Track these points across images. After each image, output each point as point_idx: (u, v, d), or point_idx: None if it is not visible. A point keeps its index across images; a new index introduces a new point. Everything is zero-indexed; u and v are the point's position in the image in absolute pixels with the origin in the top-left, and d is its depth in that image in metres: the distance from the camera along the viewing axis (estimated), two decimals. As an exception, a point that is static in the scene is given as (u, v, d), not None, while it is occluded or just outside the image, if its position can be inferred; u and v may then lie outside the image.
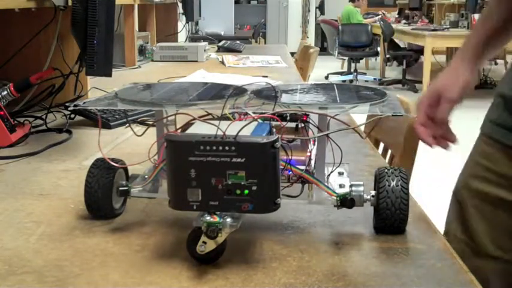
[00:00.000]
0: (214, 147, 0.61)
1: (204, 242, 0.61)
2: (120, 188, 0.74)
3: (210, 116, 0.74)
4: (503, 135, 1.00)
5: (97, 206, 0.74)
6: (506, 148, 0.98)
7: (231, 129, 0.61)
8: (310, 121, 0.77)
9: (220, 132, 0.61)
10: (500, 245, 0.98)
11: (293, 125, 0.79)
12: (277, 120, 0.72)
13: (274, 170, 0.63)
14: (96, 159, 0.75)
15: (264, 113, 0.69)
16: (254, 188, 0.62)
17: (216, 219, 0.62)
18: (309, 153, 0.76)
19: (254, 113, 0.69)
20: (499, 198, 0.98)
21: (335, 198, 0.70)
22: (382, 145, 1.54)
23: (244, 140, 0.61)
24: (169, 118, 0.78)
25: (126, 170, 0.78)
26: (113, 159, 0.74)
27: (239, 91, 0.78)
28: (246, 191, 0.62)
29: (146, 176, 0.76)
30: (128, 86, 0.85)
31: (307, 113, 0.77)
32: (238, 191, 0.62)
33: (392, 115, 0.67)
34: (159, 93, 0.82)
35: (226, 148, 0.61)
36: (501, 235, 0.98)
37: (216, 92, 0.82)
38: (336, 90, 0.79)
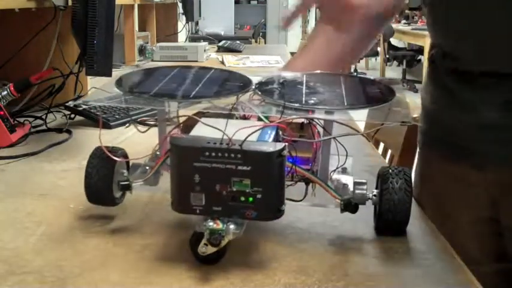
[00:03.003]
0: (219, 154, 0.60)
1: (206, 244, 0.61)
2: (121, 183, 0.73)
3: (214, 111, 0.72)
4: (434, 148, 0.97)
5: (98, 194, 0.73)
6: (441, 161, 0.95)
7: (236, 131, 0.61)
8: (316, 120, 0.76)
9: (225, 137, 0.61)
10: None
11: (299, 121, 0.77)
12: (284, 128, 0.70)
13: (280, 178, 0.62)
14: (95, 147, 0.74)
15: (270, 116, 0.68)
16: (259, 196, 0.61)
17: (219, 225, 0.61)
18: (313, 153, 0.75)
19: (263, 115, 0.68)
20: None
21: (339, 201, 0.69)
22: (382, 145, 1.54)
23: (250, 149, 0.60)
24: (171, 115, 0.77)
25: (127, 162, 0.76)
26: (113, 148, 0.73)
27: (245, 83, 0.76)
28: (251, 199, 0.61)
29: (147, 167, 0.74)
30: (128, 72, 0.83)
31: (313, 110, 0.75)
32: (242, 198, 0.61)
33: (401, 124, 0.66)
34: (160, 83, 0.78)
35: (232, 155, 0.60)
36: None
37: (221, 83, 0.79)
38: (343, 86, 0.77)
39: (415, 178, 1.02)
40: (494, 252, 0.93)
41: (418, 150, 1.03)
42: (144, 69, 0.86)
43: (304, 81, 0.80)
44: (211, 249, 0.61)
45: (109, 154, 0.72)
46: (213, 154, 0.60)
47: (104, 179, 0.72)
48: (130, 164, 0.77)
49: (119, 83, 0.76)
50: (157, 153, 0.74)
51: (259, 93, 0.74)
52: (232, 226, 0.62)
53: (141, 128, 0.79)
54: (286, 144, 0.62)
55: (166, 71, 0.84)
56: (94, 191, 0.73)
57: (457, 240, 0.75)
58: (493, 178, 0.88)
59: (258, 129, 0.65)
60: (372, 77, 0.84)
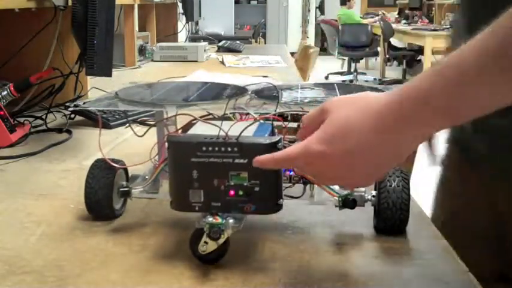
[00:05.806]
0: (216, 148, 0.61)
1: (206, 242, 0.61)
2: (121, 189, 0.74)
3: (211, 116, 0.74)
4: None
5: (98, 206, 0.74)
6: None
7: (233, 129, 0.61)
8: None
9: (222, 133, 0.61)
10: None
11: (294, 125, 0.79)
12: (279, 121, 0.72)
13: (277, 171, 0.62)
14: (96, 159, 0.75)
15: (267, 114, 0.69)
16: (256, 189, 0.62)
17: (219, 220, 0.62)
18: None
19: (255, 113, 0.69)
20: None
21: (337, 198, 0.70)
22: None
23: (246, 141, 0.61)
24: (170, 118, 0.78)
25: (126, 170, 0.77)
26: (112, 160, 0.74)
27: (240, 91, 0.78)
28: (249, 192, 0.62)
29: (146, 177, 0.76)
30: (128, 86, 0.85)
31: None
32: (240, 192, 0.62)
33: None
34: (159, 93, 0.82)
35: (229, 149, 0.61)
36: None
37: (217, 91, 0.82)
38: (337, 90, 0.79)
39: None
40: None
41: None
42: (141, 84, 0.89)
43: (299, 88, 0.82)
44: (211, 247, 0.61)
45: (111, 163, 0.73)
46: (210, 149, 0.61)
47: (104, 189, 0.73)
48: (130, 175, 0.78)
49: (119, 94, 0.78)
50: (156, 162, 0.75)
51: (256, 97, 0.75)
52: (231, 220, 0.62)
53: (138, 131, 0.79)
54: (281, 136, 0.63)
55: (164, 84, 0.87)
56: (94, 202, 0.74)
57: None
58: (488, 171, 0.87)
59: (254, 122, 0.66)
60: (363, 85, 0.85)
